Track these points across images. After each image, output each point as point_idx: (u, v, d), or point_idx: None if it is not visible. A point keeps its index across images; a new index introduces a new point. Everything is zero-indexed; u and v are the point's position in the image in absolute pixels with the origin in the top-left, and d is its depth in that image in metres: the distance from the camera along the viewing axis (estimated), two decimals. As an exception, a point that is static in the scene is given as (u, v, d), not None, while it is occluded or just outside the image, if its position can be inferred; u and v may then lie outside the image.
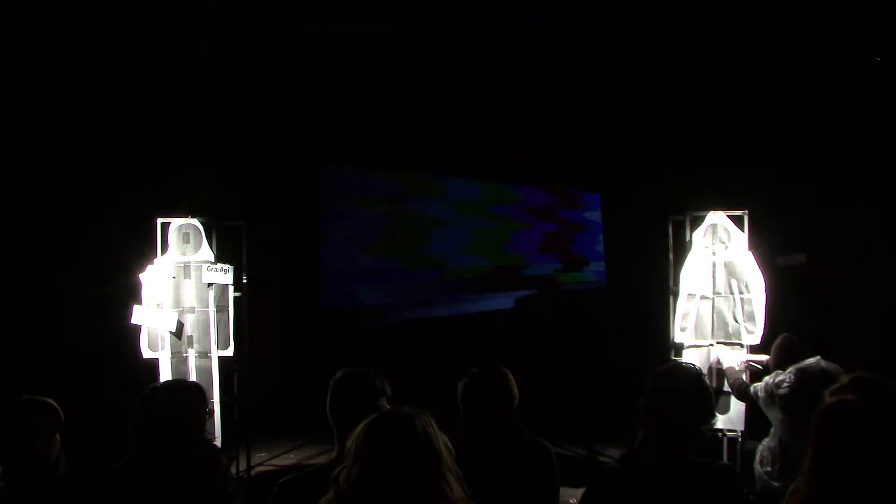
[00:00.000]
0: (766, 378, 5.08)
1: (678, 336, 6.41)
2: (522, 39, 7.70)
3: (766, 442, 5.21)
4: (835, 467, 2.32)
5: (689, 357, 6.35)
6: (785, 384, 4.82)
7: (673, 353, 6.43)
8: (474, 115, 9.41)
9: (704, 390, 2.97)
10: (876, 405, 2.41)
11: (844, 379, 2.94)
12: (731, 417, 6.30)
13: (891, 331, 6.75)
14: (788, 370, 4.92)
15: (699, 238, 6.45)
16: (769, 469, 5.08)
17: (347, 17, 7.26)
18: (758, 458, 5.31)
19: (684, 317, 6.41)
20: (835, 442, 2.35)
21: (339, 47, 7.83)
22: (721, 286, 6.40)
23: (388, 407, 2.85)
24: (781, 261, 7.64)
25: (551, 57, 8.07)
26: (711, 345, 6.35)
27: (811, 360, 4.88)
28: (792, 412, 4.73)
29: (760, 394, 5.03)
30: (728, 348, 6.32)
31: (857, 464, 2.28)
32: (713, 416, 2.98)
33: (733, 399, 6.26)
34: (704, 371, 6.32)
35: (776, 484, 4.93)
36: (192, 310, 6.61)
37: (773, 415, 4.98)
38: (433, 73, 8.54)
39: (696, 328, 6.38)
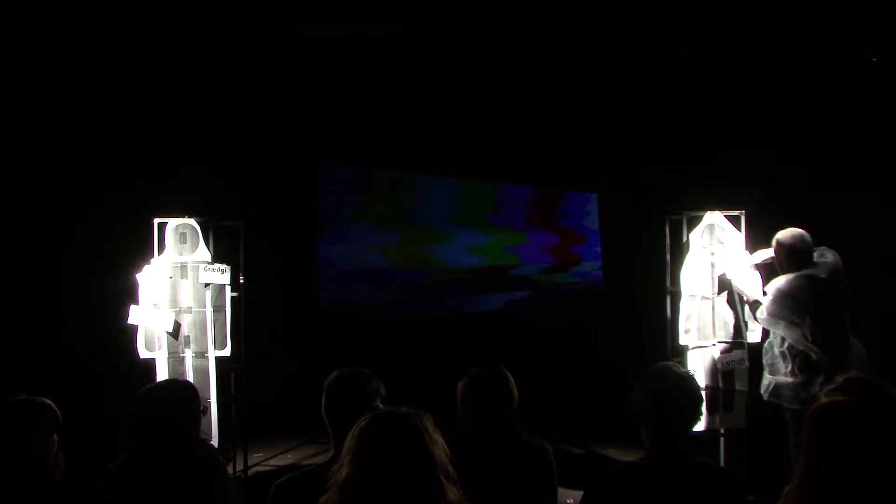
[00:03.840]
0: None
1: (682, 338, 6.41)
2: (518, 37, 7.70)
3: (774, 350, 5.63)
4: (827, 469, 2.32)
5: (693, 358, 6.37)
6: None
7: (675, 355, 6.43)
8: (472, 115, 9.41)
9: (695, 390, 2.98)
10: (868, 406, 2.41)
11: (839, 379, 2.94)
12: (735, 416, 6.31)
13: (887, 330, 6.75)
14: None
15: (696, 238, 6.45)
16: (789, 368, 5.48)
17: (347, 17, 7.26)
18: (767, 366, 5.72)
19: (688, 318, 6.41)
20: (827, 443, 2.35)
21: (338, 47, 7.83)
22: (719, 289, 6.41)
23: (384, 407, 2.85)
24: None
25: (547, 56, 8.07)
26: (714, 344, 6.36)
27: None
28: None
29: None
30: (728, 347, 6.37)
31: (849, 465, 2.28)
32: (701, 415, 2.99)
33: (737, 397, 6.29)
34: (708, 371, 6.35)
35: (792, 380, 5.45)
36: (188, 310, 6.61)
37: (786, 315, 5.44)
38: (431, 74, 8.55)
39: (698, 329, 6.39)
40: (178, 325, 6.55)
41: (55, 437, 3.08)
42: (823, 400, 2.48)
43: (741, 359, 6.26)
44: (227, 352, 6.68)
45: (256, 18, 7.20)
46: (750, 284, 6.14)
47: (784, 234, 5.74)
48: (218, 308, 6.68)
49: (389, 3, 7.17)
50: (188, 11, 6.92)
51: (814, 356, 5.37)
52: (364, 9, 7.17)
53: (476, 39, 7.74)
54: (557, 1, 7.09)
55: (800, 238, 5.68)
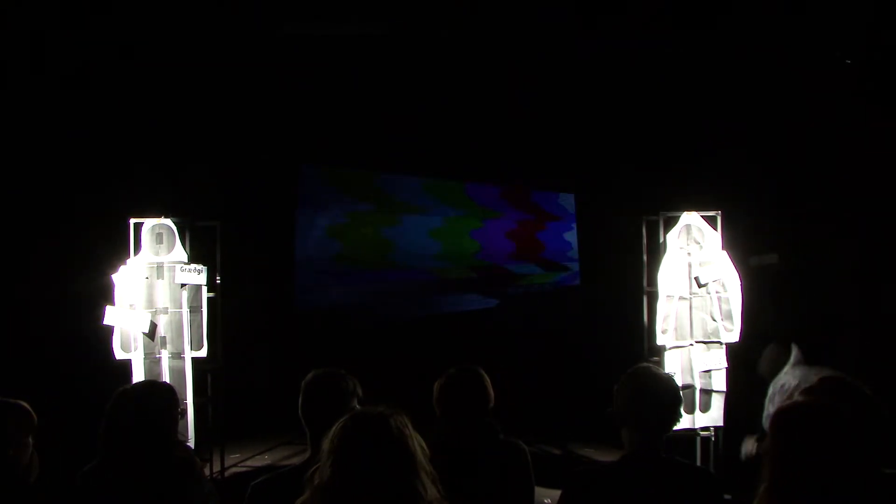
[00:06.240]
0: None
1: (660, 338, 6.43)
2: (497, 39, 7.72)
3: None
4: (792, 469, 2.34)
5: (670, 358, 6.40)
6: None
7: (653, 355, 6.47)
8: (450, 115, 9.42)
9: (675, 390, 3.00)
10: (834, 407, 2.44)
11: (814, 379, 2.98)
12: (712, 415, 6.35)
13: (862, 330, 6.81)
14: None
15: (673, 239, 6.48)
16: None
17: (327, 17, 7.25)
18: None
19: (665, 319, 6.43)
20: (790, 444, 2.37)
21: (318, 47, 7.82)
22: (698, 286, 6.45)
23: (360, 407, 2.85)
24: (754, 261, 7.68)
25: (525, 58, 8.09)
26: (691, 344, 6.39)
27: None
28: None
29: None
30: (705, 347, 6.37)
31: (812, 465, 2.30)
32: (681, 416, 3.02)
33: (715, 397, 6.32)
34: (685, 371, 6.38)
35: None
36: (165, 310, 6.57)
37: None
38: (410, 75, 8.55)
39: (675, 329, 6.41)
40: (154, 326, 6.51)
41: (30, 439, 3.06)
42: (788, 401, 2.51)
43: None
44: (203, 352, 6.65)
45: (238, 18, 7.17)
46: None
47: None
48: (194, 309, 6.64)
49: (373, 5, 7.17)
50: (166, 13, 6.90)
51: None
52: (346, 10, 7.17)
53: (455, 41, 7.75)
54: (536, 4, 7.11)
55: None
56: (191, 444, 6.37)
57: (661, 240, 6.61)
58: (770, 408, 5.39)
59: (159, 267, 6.60)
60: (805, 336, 5.54)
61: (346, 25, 7.37)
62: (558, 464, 7.45)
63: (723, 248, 6.46)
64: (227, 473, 7.11)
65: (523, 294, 11.03)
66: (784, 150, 7.67)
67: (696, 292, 6.41)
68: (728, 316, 6.36)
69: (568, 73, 8.44)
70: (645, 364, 3.21)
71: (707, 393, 6.34)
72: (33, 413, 3.09)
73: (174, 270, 6.60)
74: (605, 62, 8.02)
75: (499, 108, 9.27)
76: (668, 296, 6.43)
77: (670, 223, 6.59)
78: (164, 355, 6.54)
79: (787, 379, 5.31)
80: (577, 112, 9.28)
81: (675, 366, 6.34)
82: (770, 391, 5.46)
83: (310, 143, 10.08)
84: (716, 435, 6.42)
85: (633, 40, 7.50)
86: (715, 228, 6.51)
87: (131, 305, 6.50)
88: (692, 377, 6.36)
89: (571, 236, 10.92)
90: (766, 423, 5.42)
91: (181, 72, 7.87)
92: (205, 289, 6.71)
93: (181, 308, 6.60)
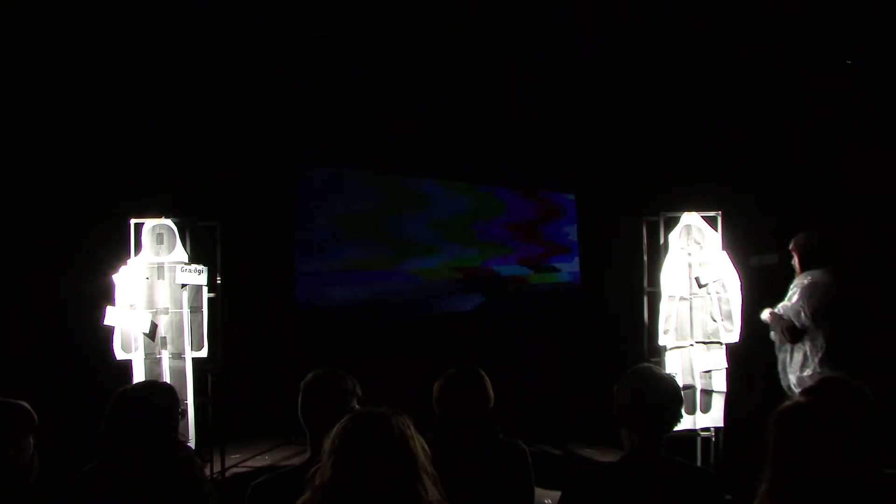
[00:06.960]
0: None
1: (661, 339, 6.43)
2: (497, 39, 7.71)
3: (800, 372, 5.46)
4: (792, 469, 2.34)
5: (671, 358, 6.39)
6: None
7: (653, 355, 6.46)
8: (450, 116, 9.42)
9: (676, 390, 3.01)
10: (834, 407, 2.44)
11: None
12: (712, 416, 6.34)
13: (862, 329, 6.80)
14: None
15: (675, 239, 6.48)
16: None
17: (327, 17, 7.25)
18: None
19: (667, 319, 6.43)
20: (790, 444, 2.37)
21: (318, 47, 7.82)
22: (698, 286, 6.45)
23: (360, 408, 2.85)
24: (754, 261, 7.68)
25: (525, 58, 8.09)
26: (691, 345, 6.39)
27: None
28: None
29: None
30: (705, 348, 6.37)
31: (812, 465, 2.31)
32: (682, 416, 3.02)
33: (715, 397, 6.32)
34: (686, 372, 6.38)
35: None
36: (165, 311, 6.57)
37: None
38: (412, 75, 8.55)
39: (676, 329, 6.41)
40: (154, 327, 6.51)
41: (31, 439, 3.06)
42: (787, 403, 2.52)
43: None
44: (203, 353, 6.65)
45: (238, 18, 7.17)
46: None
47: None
48: (195, 309, 6.64)
49: (373, 5, 7.17)
50: (165, 12, 6.89)
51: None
52: (346, 10, 7.17)
53: (455, 41, 7.74)
54: (536, 4, 7.11)
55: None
56: (191, 444, 6.37)
57: (662, 240, 6.60)
58: (799, 298, 5.53)
59: (160, 267, 6.60)
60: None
61: (345, 25, 7.37)
62: (558, 464, 7.44)
63: (723, 249, 6.46)
64: (227, 473, 7.10)
65: (523, 294, 11.03)
66: (784, 149, 7.66)
67: (697, 293, 6.41)
68: (728, 316, 6.36)
69: (568, 73, 8.43)
70: (645, 364, 3.21)
71: (707, 393, 6.34)
72: (33, 413, 3.09)
73: (175, 271, 6.60)
74: (605, 62, 8.01)
75: (499, 108, 9.27)
76: (670, 296, 6.43)
77: (670, 223, 6.59)
78: (165, 355, 6.54)
79: (821, 277, 5.47)
80: (578, 112, 9.28)
81: (675, 366, 6.34)
82: (805, 281, 5.57)
83: (310, 143, 10.07)
84: (716, 435, 6.42)
85: (633, 40, 7.50)
86: (715, 228, 6.51)
87: (132, 306, 6.49)
88: (693, 377, 6.36)
89: (572, 236, 10.92)
90: (780, 310, 5.66)
91: (181, 72, 7.86)
92: (205, 289, 6.71)
93: (182, 308, 6.60)
